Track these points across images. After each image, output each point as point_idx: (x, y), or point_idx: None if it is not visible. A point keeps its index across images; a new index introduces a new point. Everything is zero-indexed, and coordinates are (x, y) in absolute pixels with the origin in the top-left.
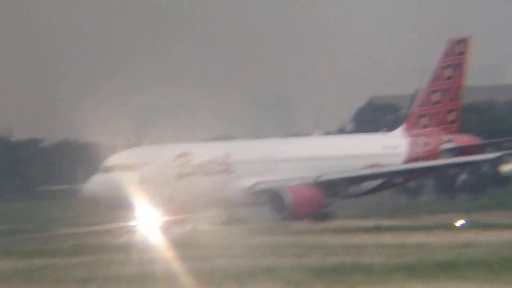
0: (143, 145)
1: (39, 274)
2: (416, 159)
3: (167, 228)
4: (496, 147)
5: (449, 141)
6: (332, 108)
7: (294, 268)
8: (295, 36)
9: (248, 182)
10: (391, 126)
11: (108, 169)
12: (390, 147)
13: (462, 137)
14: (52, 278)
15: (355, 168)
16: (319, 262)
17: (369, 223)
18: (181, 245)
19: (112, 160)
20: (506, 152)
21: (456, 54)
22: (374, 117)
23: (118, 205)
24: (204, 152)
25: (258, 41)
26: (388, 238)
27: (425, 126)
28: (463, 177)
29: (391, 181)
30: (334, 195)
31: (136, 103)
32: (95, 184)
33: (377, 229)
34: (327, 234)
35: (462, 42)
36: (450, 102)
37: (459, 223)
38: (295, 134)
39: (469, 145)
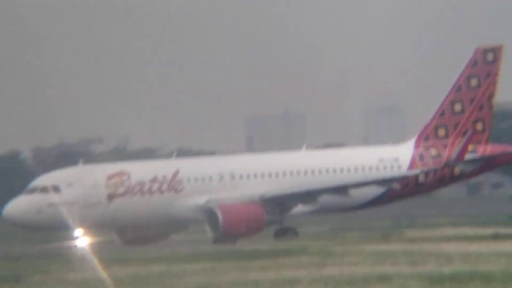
0: (77, 165)
1: None
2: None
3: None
4: None
5: (471, 152)
6: None
7: None
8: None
9: (199, 199)
10: (506, 134)
11: (30, 191)
12: (389, 160)
13: (490, 147)
14: None
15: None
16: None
17: (487, 231)
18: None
19: (37, 181)
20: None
21: (485, 63)
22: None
23: (36, 228)
24: (146, 170)
25: (364, 48)
26: (507, 246)
27: (443, 137)
28: None
29: (393, 193)
30: (283, 212)
31: (246, 113)
32: (14, 206)
33: (495, 237)
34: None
35: (492, 51)
36: (478, 111)
37: None
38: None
39: (495, 154)
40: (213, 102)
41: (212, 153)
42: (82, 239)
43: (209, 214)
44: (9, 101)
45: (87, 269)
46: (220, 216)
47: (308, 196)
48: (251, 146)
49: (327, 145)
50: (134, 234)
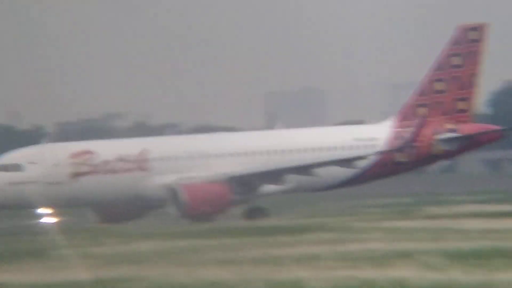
0: (42, 144)
1: None
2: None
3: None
4: None
5: (452, 131)
6: None
7: None
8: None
9: (167, 179)
10: None
11: None
12: (364, 139)
13: (472, 126)
14: None
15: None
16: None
17: (508, 207)
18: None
19: (1, 159)
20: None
21: (467, 42)
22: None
23: (0, 206)
24: (113, 149)
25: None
26: None
27: (424, 116)
28: None
29: (370, 172)
30: (250, 191)
31: (267, 88)
32: None
33: None
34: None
35: (475, 29)
36: (460, 90)
37: None
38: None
39: (475, 133)
40: (234, 78)
41: (231, 129)
42: (48, 217)
43: (173, 193)
44: (33, 77)
45: (111, 244)
46: (183, 195)
47: (273, 175)
48: (271, 122)
49: (345, 123)
50: (109, 212)
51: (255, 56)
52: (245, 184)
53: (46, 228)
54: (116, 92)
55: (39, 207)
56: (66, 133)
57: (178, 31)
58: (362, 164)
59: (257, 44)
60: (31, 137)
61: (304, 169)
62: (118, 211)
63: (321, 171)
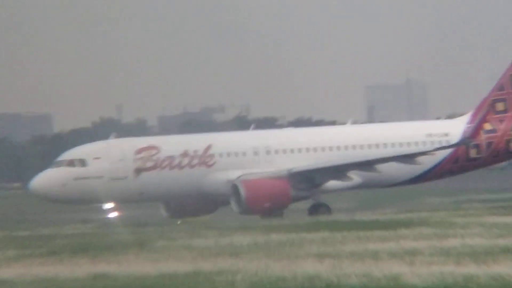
0: (109, 138)
1: None
2: (471, 147)
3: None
4: None
5: None
6: None
7: None
8: None
9: (232, 174)
10: None
11: (57, 164)
12: (437, 135)
13: None
14: None
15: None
16: None
17: None
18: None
19: (64, 155)
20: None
21: None
22: None
23: (61, 201)
24: (177, 145)
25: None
26: None
27: (502, 111)
28: None
29: (441, 169)
30: (313, 187)
31: (367, 82)
32: (40, 179)
33: None
34: None
35: None
36: None
37: None
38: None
39: None
40: (334, 71)
41: (332, 123)
42: (114, 212)
43: (234, 189)
44: (138, 72)
45: (209, 236)
46: (243, 191)
47: (335, 171)
48: (371, 115)
49: (450, 116)
50: (179, 207)
51: (356, 49)
52: (307, 180)
53: (125, 221)
54: (217, 86)
55: (104, 202)
56: (168, 125)
57: (280, 27)
58: (432, 160)
59: (357, 37)
60: (135, 130)
61: (366, 165)
62: (188, 206)
63: (389, 167)
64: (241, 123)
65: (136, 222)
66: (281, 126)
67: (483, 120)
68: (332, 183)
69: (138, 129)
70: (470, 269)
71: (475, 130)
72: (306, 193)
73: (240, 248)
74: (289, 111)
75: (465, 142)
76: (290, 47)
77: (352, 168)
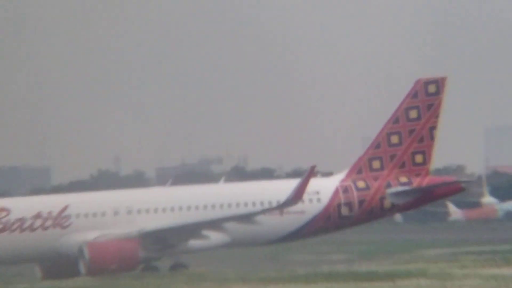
0: None
1: None
2: (343, 205)
3: None
4: None
5: (406, 184)
6: None
7: None
8: None
9: (89, 236)
10: None
11: None
12: (308, 193)
13: (428, 179)
14: None
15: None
16: None
17: None
18: None
19: None
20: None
21: (426, 95)
22: None
23: None
24: (29, 206)
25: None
26: None
27: (378, 169)
28: None
29: (314, 227)
30: (167, 247)
31: (363, 133)
32: None
33: None
34: None
35: (434, 83)
36: (417, 143)
37: None
38: None
39: (426, 186)
40: (331, 122)
41: (329, 174)
42: None
43: (80, 251)
44: (135, 125)
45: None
46: (87, 253)
47: (189, 231)
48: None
49: (327, 174)
50: (53, 268)
51: (354, 102)
52: (159, 241)
53: None
54: (214, 137)
55: None
56: (167, 177)
57: (279, 76)
58: (304, 218)
59: (354, 90)
60: (133, 182)
61: (213, 224)
62: (62, 267)
63: (261, 226)
64: (239, 174)
65: (6, 281)
66: (278, 177)
67: (306, 181)
68: (194, 243)
69: (136, 181)
70: None
71: (298, 192)
72: (159, 253)
73: None
74: (286, 162)
75: (288, 203)
76: (284, 99)
77: (202, 228)
